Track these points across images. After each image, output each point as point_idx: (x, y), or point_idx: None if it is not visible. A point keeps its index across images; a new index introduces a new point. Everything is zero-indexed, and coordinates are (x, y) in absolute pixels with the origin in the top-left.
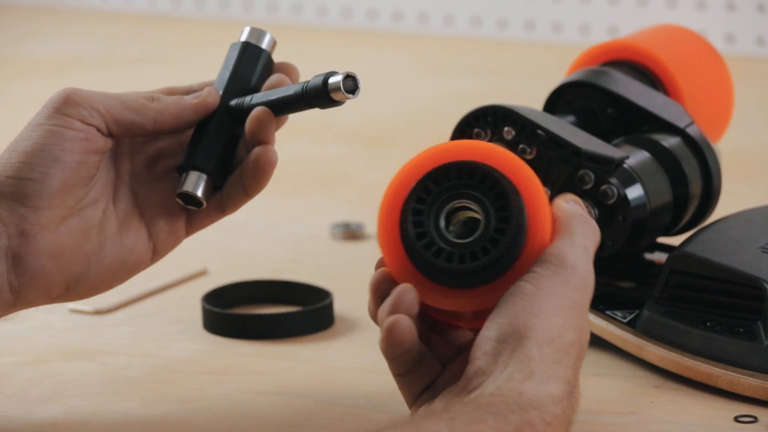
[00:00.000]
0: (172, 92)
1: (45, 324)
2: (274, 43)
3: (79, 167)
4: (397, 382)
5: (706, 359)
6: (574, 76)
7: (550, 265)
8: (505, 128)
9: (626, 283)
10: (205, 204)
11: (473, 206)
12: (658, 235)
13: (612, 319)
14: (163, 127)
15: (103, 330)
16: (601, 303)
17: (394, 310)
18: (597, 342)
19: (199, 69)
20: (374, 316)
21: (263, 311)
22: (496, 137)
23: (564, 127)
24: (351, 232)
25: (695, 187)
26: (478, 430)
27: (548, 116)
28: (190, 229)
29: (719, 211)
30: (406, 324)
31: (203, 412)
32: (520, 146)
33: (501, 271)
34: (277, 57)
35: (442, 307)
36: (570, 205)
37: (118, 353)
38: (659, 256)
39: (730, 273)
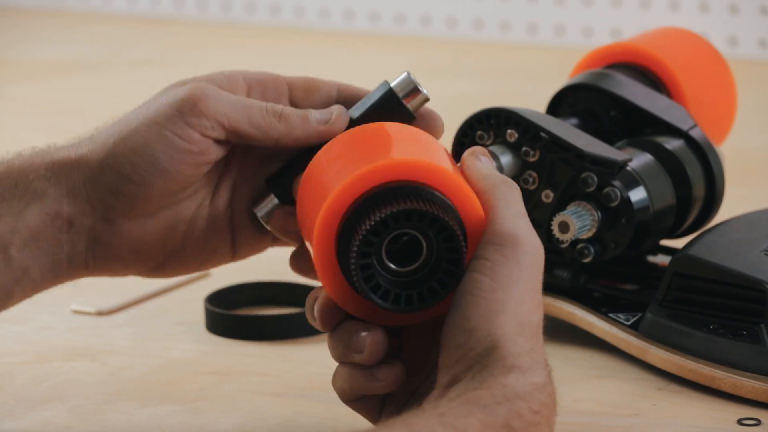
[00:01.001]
0: (307, 92)
1: (47, 324)
2: (423, 101)
3: (184, 177)
4: (354, 409)
5: (709, 362)
6: (577, 79)
7: (499, 248)
8: (508, 131)
9: (629, 286)
10: (269, 229)
11: (415, 233)
12: (661, 238)
13: (615, 322)
14: (284, 147)
15: (105, 331)
16: (604, 305)
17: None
18: (600, 344)
19: (201, 72)
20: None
21: (266, 312)
22: (499, 140)
23: (567, 130)
24: None
25: (698, 190)
26: (467, 423)
27: (551, 119)
28: (275, 243)
29: (722, 214)
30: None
31: (205, 412)
32: (523, 149)
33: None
34: (277, 60)
35: (388, 324)
36: (485, 168)
37: (121, 353)
38: (662, 259)
39: (734, 276)
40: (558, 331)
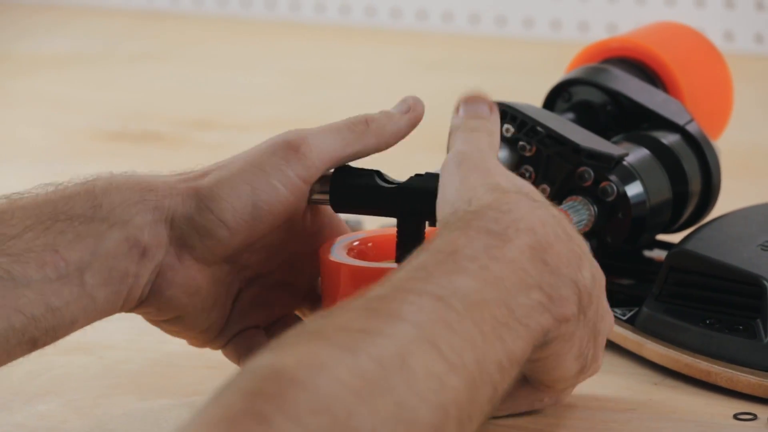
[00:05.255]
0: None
1: None
2: None
3: (271, 224)
4: None
5: (705, 357)
6: (573, 74)
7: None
8: (505, 125)
9: (625, 281)
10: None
11: None
12: (658, 233)
13: None
14: (379, 149)
15: (102, 324)
16: None
17: None
18: None
19: (198, 66)
20: None
21: None
22: None
23: (563, 124)
24: (350, 228)
25: (695, 185)
26: (453, 240)
27: (548, 113)
28: None
29: (718, 209)
30: None
31: None
32: (520, 143)
33: None
34: (273, 54)
35: None
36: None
37: (117, 347)
38: (659, 254)
39: (730, 270)
40: None
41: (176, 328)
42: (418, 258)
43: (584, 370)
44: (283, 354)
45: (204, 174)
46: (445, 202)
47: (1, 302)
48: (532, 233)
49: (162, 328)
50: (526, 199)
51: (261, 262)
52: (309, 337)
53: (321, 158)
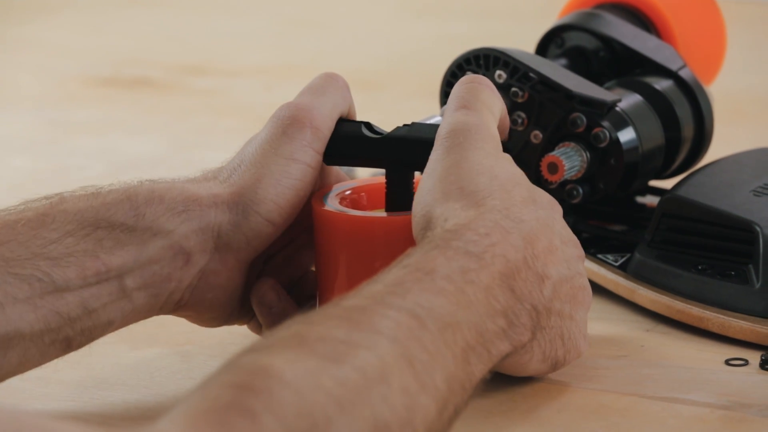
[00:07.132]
0: None
1: None
2: None
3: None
4: None
5: (697, 302)
6: (566, 19)
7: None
8: (497, 71)
9: (618, 227)
10: None
11: None
12: (650, 179)
13: (603, 263)
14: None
15: None
16: (592, 246)
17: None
18: None
19: (189, 11)
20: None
21: None
22: None
23: (556, 70)
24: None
25: (687, 131)
26: (432, 260)
27: (540, 59)
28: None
29: (711, 155)
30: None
31: (194, 355)
32: (512, 89)
33: None
34: (265, 12)
35: None
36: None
37: None
38: (651, 200)
39: (722, 216)
40: None
41: (211, 324)
42: (395, 272)
43: (557, 364)
44: (270, 354)
45: (238, 173)
46: (421, 198)
47: (39, 303)
48: (505, 260)
49: (194, 323)
50: (501, 219)
51: (283, 238)
52: (293, 343)
53: (327, 125)
